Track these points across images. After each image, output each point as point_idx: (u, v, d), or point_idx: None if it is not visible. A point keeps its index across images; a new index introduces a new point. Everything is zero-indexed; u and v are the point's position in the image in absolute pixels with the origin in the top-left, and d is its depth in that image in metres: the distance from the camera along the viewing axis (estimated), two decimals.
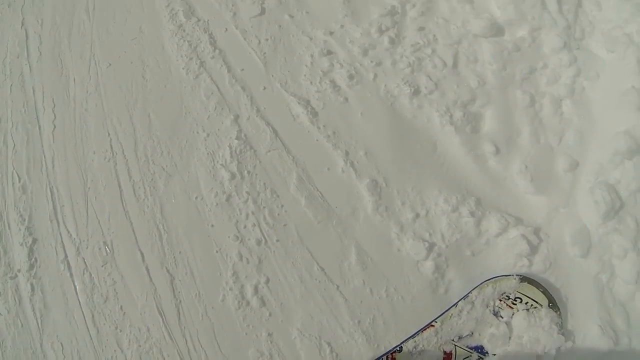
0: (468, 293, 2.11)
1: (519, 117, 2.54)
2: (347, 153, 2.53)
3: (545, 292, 2.03)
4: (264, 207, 2.49)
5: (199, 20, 3.17)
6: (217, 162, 2.62)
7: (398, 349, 2.07)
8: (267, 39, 2.94)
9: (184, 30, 3.14)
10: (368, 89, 2.67)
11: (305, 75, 2.76)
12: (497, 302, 2.06)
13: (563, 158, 2.44)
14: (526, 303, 2.03)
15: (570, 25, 2.65)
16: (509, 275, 2.09)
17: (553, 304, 2.04)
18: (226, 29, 3.07)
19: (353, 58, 2.76)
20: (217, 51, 2.98)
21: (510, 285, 2.06)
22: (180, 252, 2.49)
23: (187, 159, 2.69)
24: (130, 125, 2.89)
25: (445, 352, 2.05)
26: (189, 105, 2.84)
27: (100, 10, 3.54)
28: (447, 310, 2.10)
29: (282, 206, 2.49)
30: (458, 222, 2.35)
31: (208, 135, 2.71)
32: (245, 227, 2.47)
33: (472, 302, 2.08)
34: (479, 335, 2.05)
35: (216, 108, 2.77)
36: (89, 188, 2.78)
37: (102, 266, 2.54)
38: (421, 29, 2.77)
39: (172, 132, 2.78)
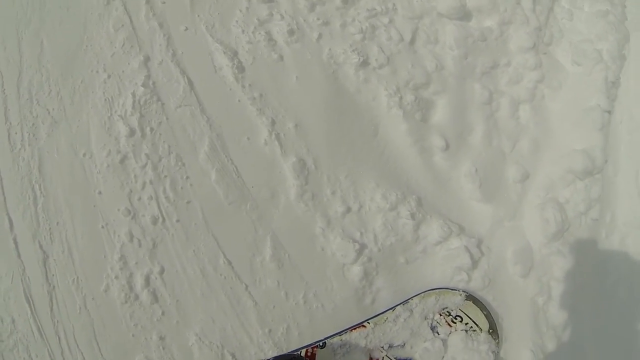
0: (409, 299, 1.75)
1: (474, 113, 2.03)
2: (273, 122, 1.90)
3: (488, 316, 1.74)
4: (165, 177, 1.82)
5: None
6: (115, 112, 1.90)
7: (321, 344, 1.66)
8: None
9: None
10: (309, 49, 2.02)
11: (237, 21, 2.05)
12: (437, 316, 1.74)
13: (514, 167, 1.98)
14: (466, 324, 1.74)
15: (541, 28, 2.16)
16: (456, 289, 1.76)
17: (493, 330, 1.74)
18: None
19: (297, 11, 2.08)
20: None
21: (454, 301, 1.75)
22: (57, 224, 1.80)
23: (79, 103, 1.93)
24: (17, 50, 2.06)
25: (372, 359, 1.68)
26: (92, 36, 2.05)
27: None
28: (383, 312, 1.73)
29: (187, 178, 1.83)
30: (395, 223, 1.83)
31: (109, 76, 1.97)
32: (139, 199, 1.80)
33: (411, 310, 1.74)
34: (411, 348, 1.72)
35: (124, 45, 2.03)
36: None
37: None
38: None
39: (66, 67, 2.00)
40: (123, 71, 1.98)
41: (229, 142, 1.88)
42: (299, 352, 1.66)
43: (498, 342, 1.74)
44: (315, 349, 1.66)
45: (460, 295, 1.75)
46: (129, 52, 2.01)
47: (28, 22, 2.15)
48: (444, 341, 1.74)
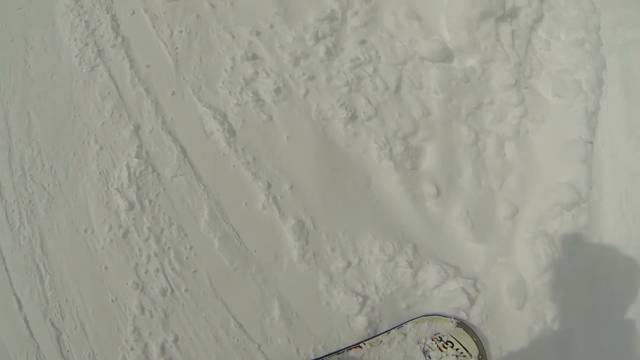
0: (403, 323, 1.76)
1: (462, 155, 2.00)
2: (269, 185, 1.84)
3: (478, 342, 1.75)
4: (169, 248, 1.75)
5: None
6: (112, 185, 1.81)
7: None
8: (181, 31, 2.07)
9: (82, 7, 2.14)
10: (297, 107, 1.95)
11: (223, 82, 1.96)
12: (429, 341, 1.76)
13: (504, 204, 1.96)
14: (457, 349, 1.75)
15: (521, 62, 2.13)
16: (448, 316, 1.78)
17: (483, 356, 1.75)
18: (133, 12, 2.12)
19: (282, 67, 2.01)
20: (119, 38, 2.07)
21: (446, 327, 1.76)
22: (67, 300, 1.71)
23: (74, 177, 1.83)
24: (4, 124, 1.93)
25: None
26: (79, 105, 1.94)
27: None
28: (378, 335, 1.74)
29: (190, 248, 1.76)
30: (394, 272, 1.80)
31: (101, 148, 1.87)
32: (146, 272, 1.72)
33: (405, 334, 1.75)
34: None
35: (113, 113, 1.93)
36: None
37: None
38: (363, 42, 2.09)
39: (56, 140, 1.88)
40: (115, 142, 1.89)
41: (228, 209, 1.82)
42: None
43: None
44: None
45: (452, 322, 1.76)
46: (118, 121, 1.92)
47: (12, 94, 2.02)
48: None
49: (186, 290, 1.75)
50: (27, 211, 1.82)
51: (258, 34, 2.07)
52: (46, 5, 2.21)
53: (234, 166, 1.86)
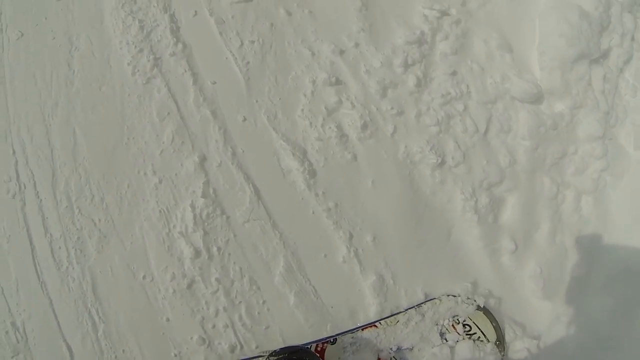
0: (422, 303, 1.59)
1: (541, 209, 1.75)
2: (351, 236, 1.56)
3: (497, 328, 1.60)
4: (239, 302, 1.46)
5: None
6: (174, 227, 1.48)
7: (332, 340, 1.48)
8: (252, 42, 1.68)
9: (135, 2, 1.69)
10: (384, 146, 1.63)
11: (302, 109, 1.61)
12: (447, 322, 1.59)
13: (576, 263, 1.80)
14: (474, 333, 1.59)
15: (609, 111, 1.89)
16: (468, 298, 1.61)
17: (500, 342, 1.60)
18: (196, 13, 1.70)
19: (368, 97, 1.67)
20: (179, 45, 1.66)
21: (465, 310, 1.60)
22: (124, 351, 1.41)
23: (129, 214, 1.49)
24: (47, 142, 1.55)
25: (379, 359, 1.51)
26: (133, 126, 1.56)
27: None
28: (395, 314, 1.55)
29: (263, 302, 1.48)
30: None
31: (160, 181, 1.53)
32: (214, 326, 1.44)
33: (423, 315, 1.57)
34: (419, 351, 1.55)
35: (174, 140, 1.56)
36: None
37: (12, 358, 1.44)
38: (453, 73, 1.75)
39: (107, 167, 1.51)
40: (176, 174, 1.54)
41: (305, 261, 1.54)
42: (309, 346, 1.48)
43: (504, 355, 1.61)
44: (325, 344, 1.49)
45: (472, 304, 1.61)
46: (180, 150, 1.56)
47: (55, 105, 1.60)
48: (452, 348, 1.59)
49: (257, 347, 1.49)
50: (75, 249, 1.48)
51: (341, 53, 1.70)
52: None
53: (313, 212, 1.56)
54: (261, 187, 1.55)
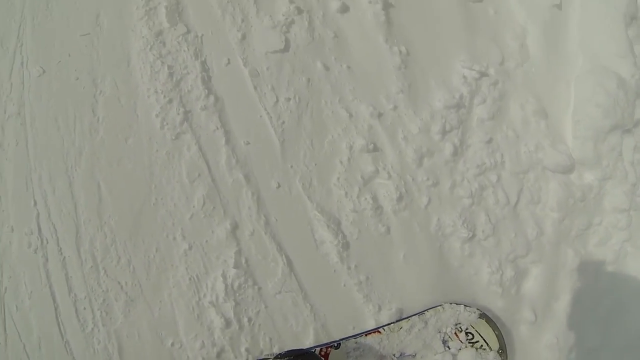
0: (425, 310, 1.59)
1: (563, 279, 1.78)
2: (379, 309, 1.53)
3: (499, 336, 1.60)
4: None
5: (188, 31, 1.61)
6: (204, 296, 1.43)
7: (335, 344, 1.50)
8: (288, 99, 1.59)
9: (164, 44, 1.58)
10: (417, 219, 1.59)
11: (338, 178, 1.56)
12: (449, 330, 1.59)
13: (592, 333, 1.85)
14: (477, 341, 1.60)
15: (637, 182, 1.89)
16: (470, 306, 1.60)
17: (502, 351, 1.61)
18: (229, 61, 1.59)
19: (405, 166, 1.62)
20: (211, 98, 1.56)
21: (468, 318, 1.60)
22: None
23: (157, 279, 1.44)
24: (70, 196, 1.47)
25: None
26: (162, 185, 1.48)
27: None
28: (398, 321, 1.56)
29: None
30: None
31: (190, 247, 1.47)
32: None
33: (426, 322, 1.57)
34: (421, 358, 1.58)
35: (205, 204, 1.49)
36: (4, 289, 1.44)
37: None
38: (489, 141, 1.71)
39: (134, 228, 1.45)
40: (207, 241, 1.48)
41: (335, 333, 1.52)
42: (314, 350, 1.51)
43: None
44: (329, 349, 1.51)
45: (475, 312, 1.60)
46: (211, 216, 1.49)
47: (78, 155, 1.50)
48: (454, 356, 1.62)
49: None
50: (101, 312, 1.43)
51: (379, 116, 1.63)
52: (119, 34, 1.61)
53: (344, 285, 1.54)
54: (294, 258, 1.52)
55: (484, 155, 1.70)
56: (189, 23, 1.66)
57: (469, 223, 1.64)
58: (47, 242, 1.47)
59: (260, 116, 1.57)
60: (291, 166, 1.55)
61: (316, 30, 1.69)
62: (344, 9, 1.75)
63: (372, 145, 1.60)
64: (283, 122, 1.57)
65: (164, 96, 1.54)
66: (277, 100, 1.58)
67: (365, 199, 1.56)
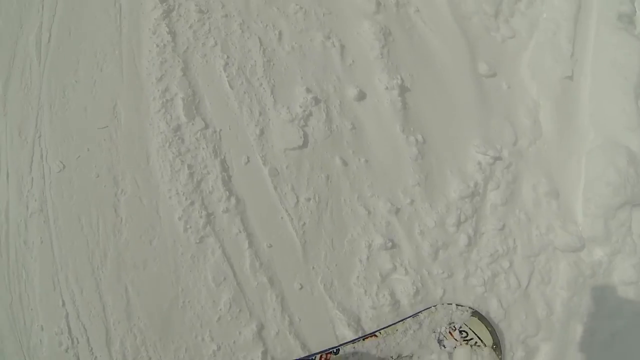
0: (418, 312, 1.64)
1: (572, 354, 1.88)
2: None
3: (492, 332, 1.65)
4: None
5: (206, 126, 1.62)
6: None
7: (335, 351, 1.55)
8: (308, 199, 1.62)
9: (182, 141, 1.59)
10: None
11: (358, 277, 1.60)
12: (444, 330, 1.64)
13: None
14: (471, 339, 1.65)
15: None
16: (462, 305, 1.66)
17: (497, 346, 1.66)
18: (248, 160, 1.62)
19: (421, 261, 1.67)
20: (232, 200, 1.59)
21: (460, 317, 1.65)
22: None
23: None
24: (98, 298, 1.51)
25: None
26: (188, 288, 1.53)
27: (58, 49, 1.74)
28: (394, 324, 1.61)
29: None
30: None
31: (219, 348, 1.52)
32: None
33: (420, 323, 1.62)
34: (418, 358, 1.63)
35: (231, 307, 1.55)
36: None
37: None
38: (502, 228, 1.76)
39: (163, 329, 1.50)
40: (234, 342, 1.54)
41: None
42: (314, 357, 1.56)
43: (501, 358, 1.67)
44: (329, 355, 1.57)
45: (467, 311, 1.65)
46: (237, 317, 1.55)
47: (103, 257, 1.55)
48: (450, 354, 1.68)
49: None
50: None
51: (397, 212, 1.67)
52: (137, 127, 1.62)
53: None
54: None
55: (496, 243, 1.75)
56: (207, 117, 1.66)
57: (482, 310, 1.70)
58: (78, 342, 1.53)
59: (282, 217, 1.60)
60: (313, 267, 1.60)
61: (334, 122, 1.70)
62: (361, 96, 1.75)
63: (390, 242, 1.64)
64: (304, 224, 1.61)
65: (186, 198, 1.57)
66: (298, 201, 1.61)
67: (384, 295, 1.62)
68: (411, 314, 1.60)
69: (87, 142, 1.65)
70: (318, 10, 1.85)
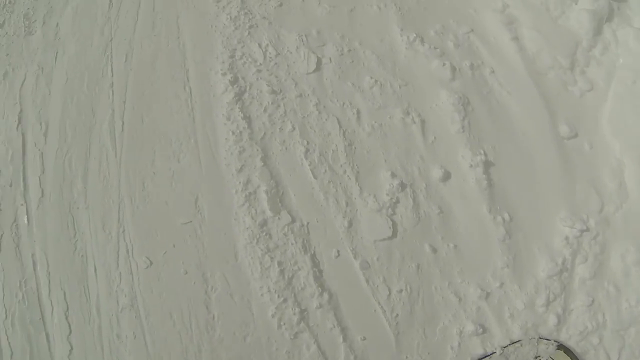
0: (507, 346, 1.65)
1: None
2: None
3: None
4: None
5: (293, 220, 1.60)
6: None
7: None
8: (400, 290, 1.61)
9: (270, 237, 1.58)
10: None
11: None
12: None
13: None
14: None
15: None
16: (548, 339, 1.67)
17: None
18: (338, 253, 1.60)
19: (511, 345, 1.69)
20: (325, 295, 1.58)
21: (546, 350, 1.66)
22: None
23: None
24: None
25: None
26: None
27: (132, 138, 1.72)
28: (483, 358, 1.63)
29: None
30: None
31: None
32: None
33: (507, 357, 1.65)
34: None
35: None
36: None
37: None
38: (591, 304, 1.74)
39: None
40: None
41: None
42: None
43: None
44: None
45: (553, 344, 1.66)
46: None
47: (197, 351, 1.57)
48: None
49: None
50: None
51: (487, 296, 1.65)
52: (222, 223, 1.61)
53: None
54: None
55: (586, 320, 1.72)
56: (292, 210, 1.63)
57: None
58: None
59: (375, 310, 1.59)
60: (406, 357, 1.59)
61: (421, 207, 1.66)
62: (446, 176, 1.70)
63: (481, 327, 1.62)
64: (396, 315, 1.60)
65: (278, 295, 1.57)
66: (390, 293, 1.59)
67: None
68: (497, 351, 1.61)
69: (172, 237, 1.64)
70: (394, 83, 1.78)
